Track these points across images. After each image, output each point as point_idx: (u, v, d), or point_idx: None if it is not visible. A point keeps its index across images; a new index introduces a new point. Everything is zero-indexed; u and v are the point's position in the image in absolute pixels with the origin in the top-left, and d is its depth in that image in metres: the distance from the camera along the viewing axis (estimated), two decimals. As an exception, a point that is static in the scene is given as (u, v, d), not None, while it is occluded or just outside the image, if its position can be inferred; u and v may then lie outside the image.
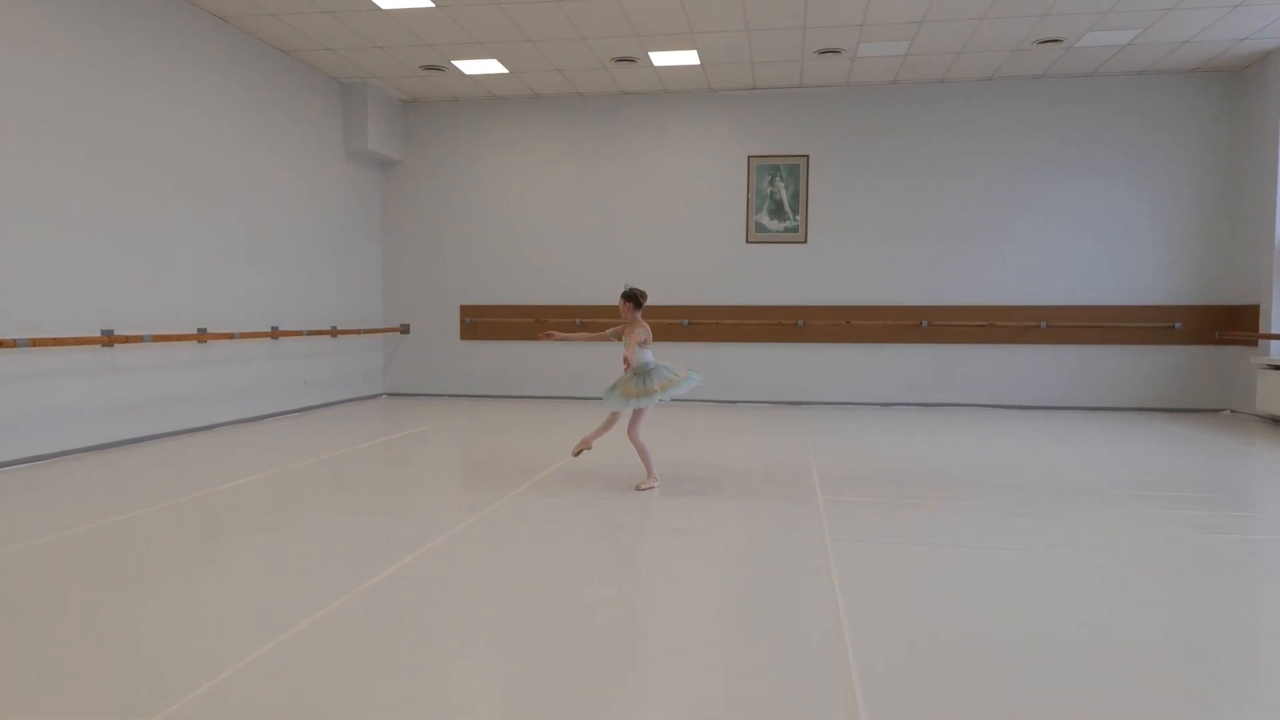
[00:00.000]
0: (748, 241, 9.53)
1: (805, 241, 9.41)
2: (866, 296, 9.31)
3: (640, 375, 4.95)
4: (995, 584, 3.46)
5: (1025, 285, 8.98)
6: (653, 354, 5.11)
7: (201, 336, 7.31)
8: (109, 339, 6.36)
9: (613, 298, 9.55)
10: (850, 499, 4.74)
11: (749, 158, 9.43)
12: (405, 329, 10.55)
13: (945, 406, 9.17)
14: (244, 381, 8.07)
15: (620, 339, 5.12)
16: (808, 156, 9.32)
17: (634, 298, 5.08)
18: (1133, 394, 8.85)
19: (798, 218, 9.33)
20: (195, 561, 3.70)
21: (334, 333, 9.35)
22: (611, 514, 4.44)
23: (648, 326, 5.02)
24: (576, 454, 5.23)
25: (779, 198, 9.37)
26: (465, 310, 10.27)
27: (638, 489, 4.99)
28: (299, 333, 8.66)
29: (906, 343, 9.25)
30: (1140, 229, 8.79)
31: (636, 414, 5.06)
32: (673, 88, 9.29)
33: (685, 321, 9.60)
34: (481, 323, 10.22)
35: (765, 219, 9.43)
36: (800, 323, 9.42)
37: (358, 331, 9.73)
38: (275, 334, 8.28)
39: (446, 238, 10.29)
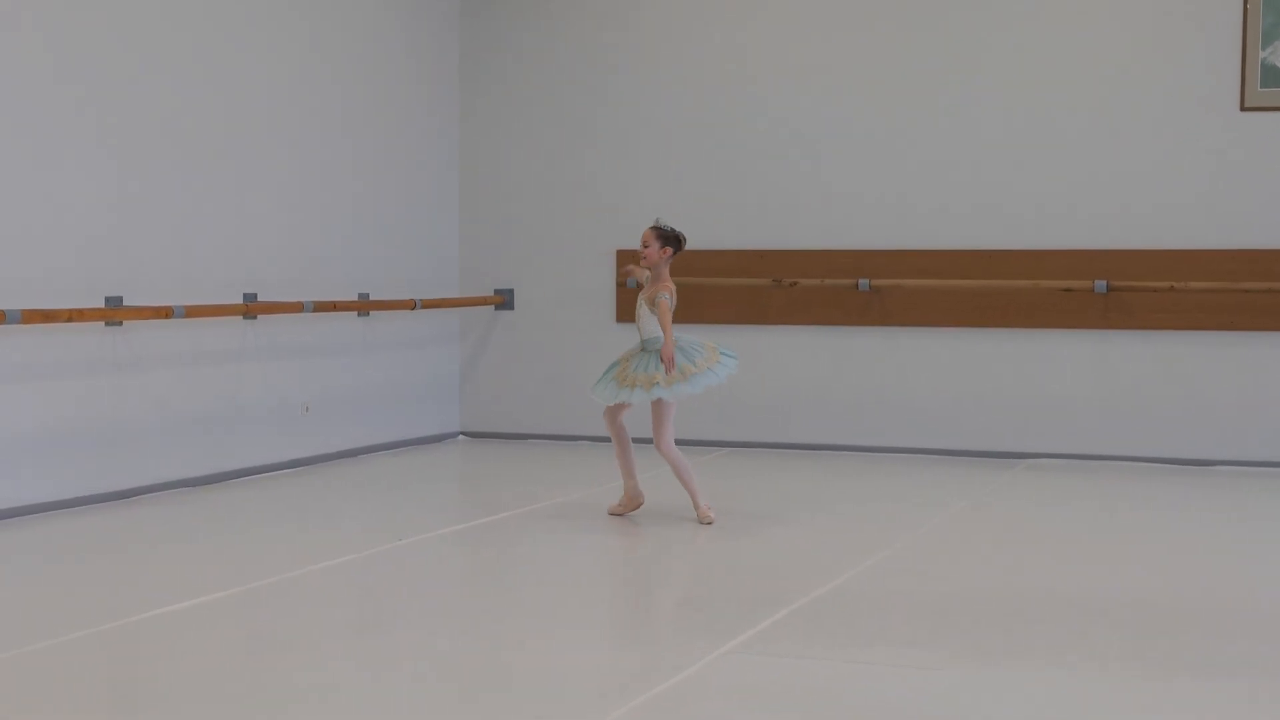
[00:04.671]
0: (1245, 108, 9.35)
1: (1382, 106, 9.17)
2: None
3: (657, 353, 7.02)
4: None
5: None
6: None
7: (112, 313, 7.43)
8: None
9: (934, 235, 9.87)
10: None
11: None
12: (505, 300, 10.65)
13: None
14: (195, 403, 8.20)
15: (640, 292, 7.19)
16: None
17: (678, 240, 7.23)
18: None
19: (1363, 53, 9.17)
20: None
21: (364, 306, 9.52)
22: (930, 698, 4.37)
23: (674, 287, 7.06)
24: (620, 512, 7.30)
25: (1319, 9, 9.20)
26: (627, 262, 10.17)
27: (701, 521, 7.06)
28: (296, 306, 8.76)
29: None
30: None
31: (659, 415, 7.06)
32: None
33: (1101, 284, 9.48)
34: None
35: (1285, 57, 9.27)
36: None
37: (408, 305, 9.86)
38: (250, 309, 8.42)
39: (587, 120, 10.44)
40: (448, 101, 10.48)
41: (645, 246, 7.16)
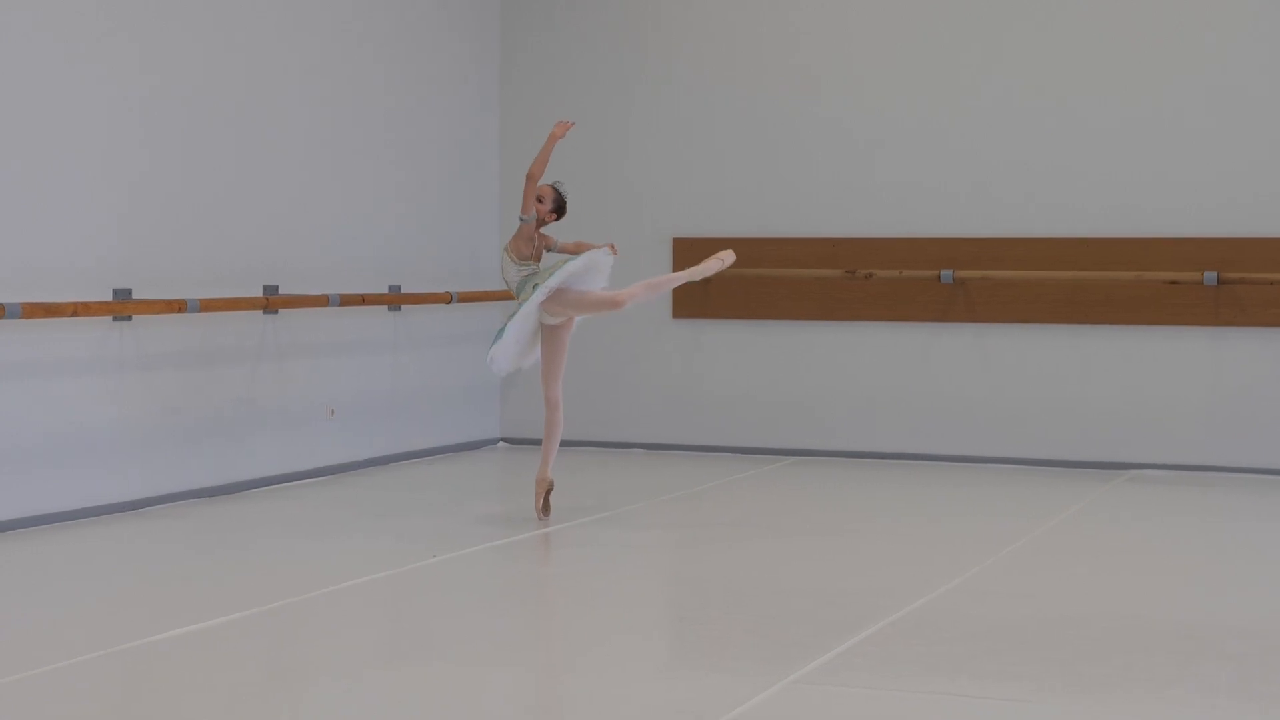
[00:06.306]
0: (1374, 79, 9.30)
1: None
2: None
3: (533, 276, 7.49)
4: None
5: None
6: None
7: (120, 307, 7.52)
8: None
9: (1025, 222, 9.87)
10: None
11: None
12: (549, 294, 10.55)
13: None
14: (209, 405, 8.25)
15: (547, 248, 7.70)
16: None
17: (562, 211, 7.77)
18: None
19: None
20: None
21: (396, 299, 9.53)
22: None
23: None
24: (544, 511, 7.58)
25: None
26: (684, 252, 10.26)
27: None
28: (320, 300, 8.81)
29: None
30: None
31: (557, 343, 7.68)
32: None
33: (1211, 276, 9.38)
34: (724, 280, 10.18)
35: None
36: None
37: (444, 299, 9.90)
38: (271, 302, 8.47)
39: (640, 95, 10.54)
40: (488, 73, 10.52)
41: (540, 202, 7.62)
